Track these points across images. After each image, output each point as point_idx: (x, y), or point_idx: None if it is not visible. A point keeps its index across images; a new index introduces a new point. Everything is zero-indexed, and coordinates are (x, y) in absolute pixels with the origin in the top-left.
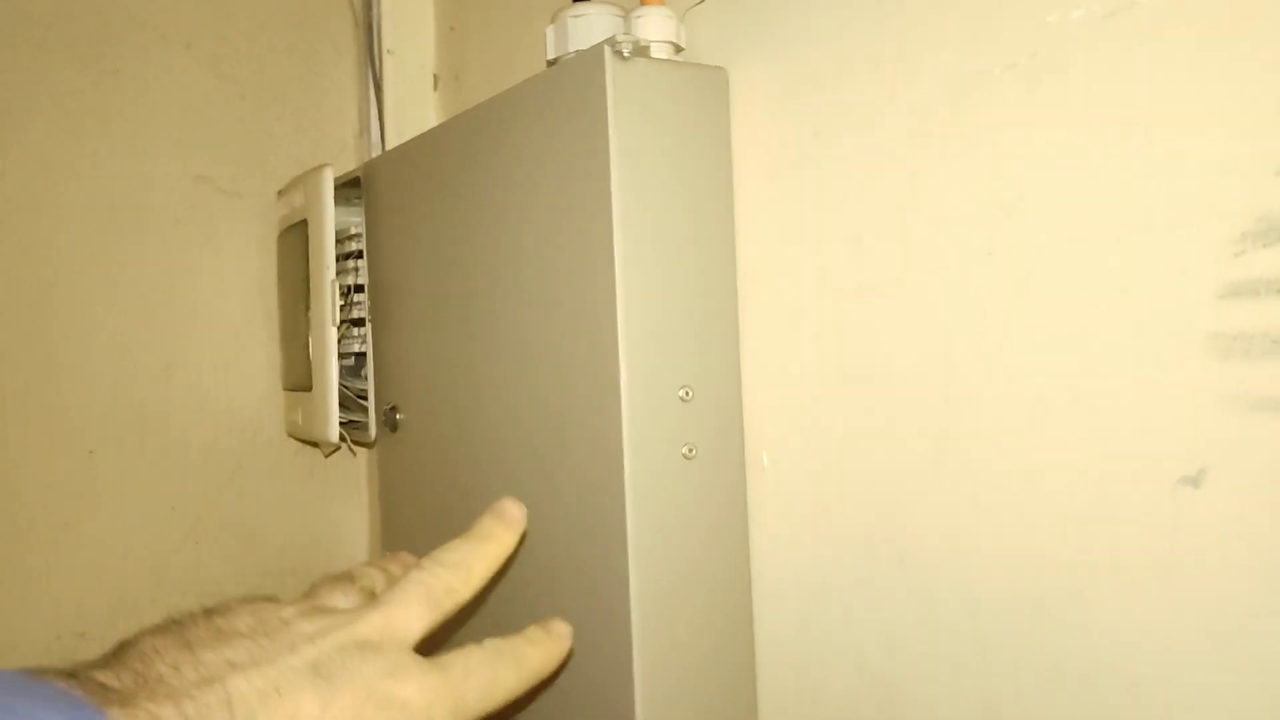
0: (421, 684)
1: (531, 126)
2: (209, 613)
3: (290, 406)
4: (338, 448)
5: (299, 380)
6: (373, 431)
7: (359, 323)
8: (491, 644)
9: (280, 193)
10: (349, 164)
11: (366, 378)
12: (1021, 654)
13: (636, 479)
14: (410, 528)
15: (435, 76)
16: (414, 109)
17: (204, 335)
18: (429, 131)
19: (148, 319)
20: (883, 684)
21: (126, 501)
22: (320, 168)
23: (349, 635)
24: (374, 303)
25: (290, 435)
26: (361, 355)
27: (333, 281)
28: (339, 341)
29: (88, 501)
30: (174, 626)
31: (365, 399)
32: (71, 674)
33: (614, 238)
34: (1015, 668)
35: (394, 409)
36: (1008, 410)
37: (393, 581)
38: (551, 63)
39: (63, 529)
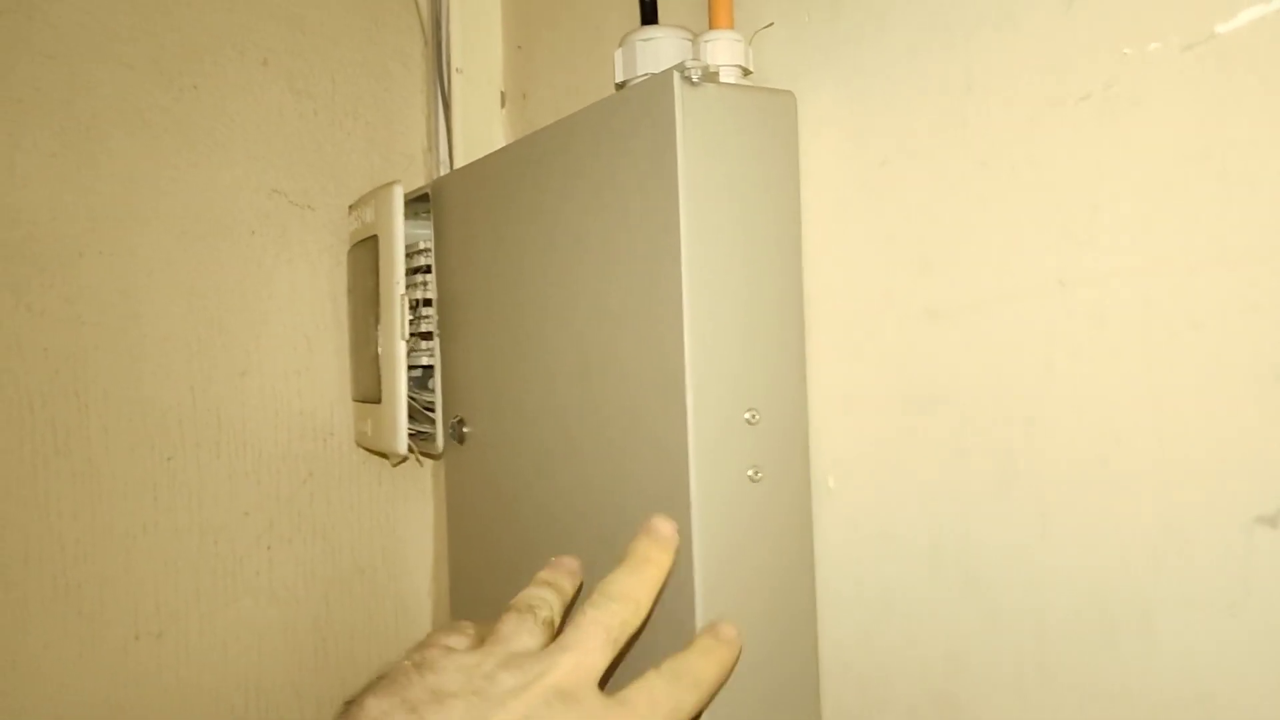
0: None
1: (600, 149)
2: (419, 668)
3: (359, 417)
4: (405, 459)
5: (368, 392)
6: (440, 443)
7: (427, 336)
8: (669, 667)
9: (351, 207)
10: (417, 179)
11: (434, 390)
12: (1088, 678)
13: (702, 500)
14: (477, 536)
15: (503, 94)
16: (482, 126)
17: (277, 343)
18: (498, 151)
19: (224, 325)
20: (946, 702)
21: (203, 505)
22: (390, 184)
23: (549, 687)
24: (442, 317)
25: (359, 445)
26: (429, 368)
27: (402, 296)
28: (407, 354)
29: (165, 505)
30: (391, 686)
31: (432, 411)
32: None
33: (681, 261)
34: (1081, 691)
35: (461, 421)
36: (1079, 438)
37: (564, 599)
38: (620, 85)
39: (141, 532)
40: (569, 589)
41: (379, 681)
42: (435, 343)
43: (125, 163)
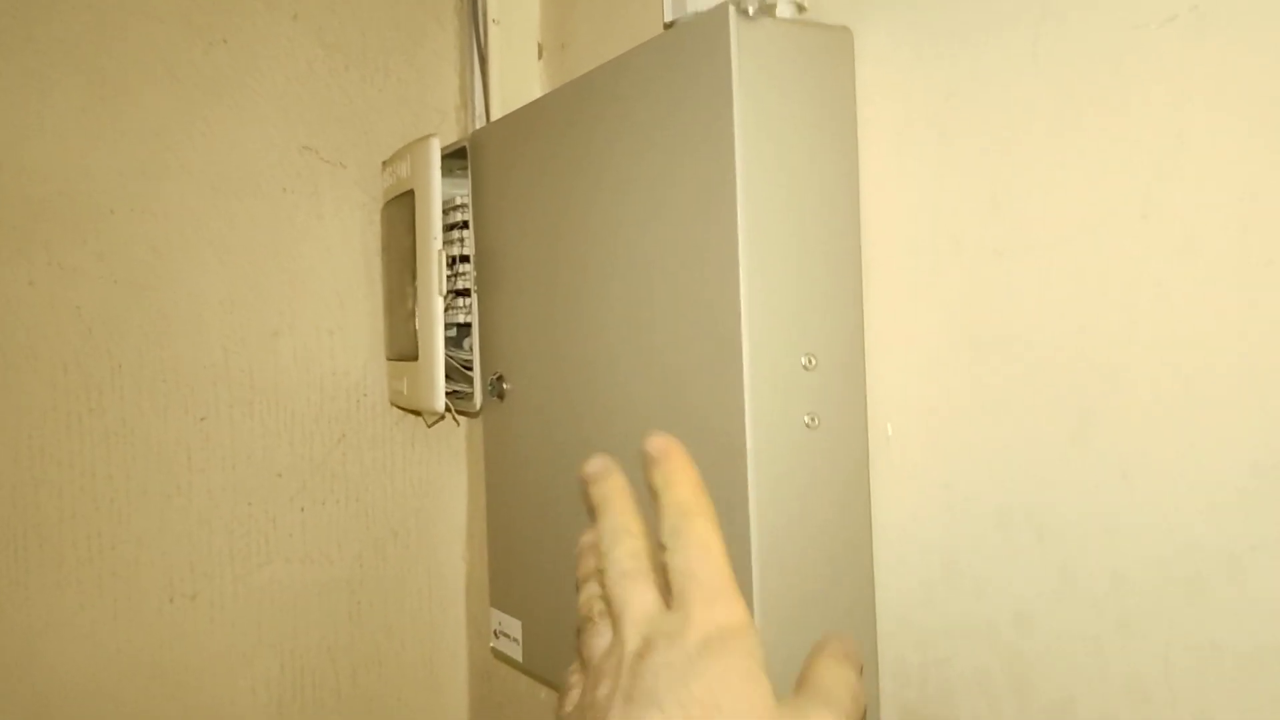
0: (705, 613)
1: (648, 91)
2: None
3: (394, 375)
4: (441, 417)
5: (404, 349)
6: (478, 401)
7: (464, 293)
8: (678, 536)
9: (385, 163)
10: (450, 135)
11: (471, 348)
12: (1173, 632)
13: (758, 448)
14: (517, 495)
15: (540, 46)
16: (518, 79)
17: (310, 302)
18: (539, 100)
19: (256, 284)
20: (1016, 659)
21: (236, 467)
22: (426, 138)
23: (625, 662)
24: (480, 273)
25: (393, 404)
26: (466, 326)
27: (439, 252)
28: (444, 311)
29: (199, 466)
30: None
31: (469, 369)
32: None
33: (736, 203)
34: (1166, 646)
35: (500, 378)
36: (1163, 382)
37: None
38: (669, 25)
39: (175, 492)
40: (593, 567)
41: None
42: (473, 299)
43: (155, 118)
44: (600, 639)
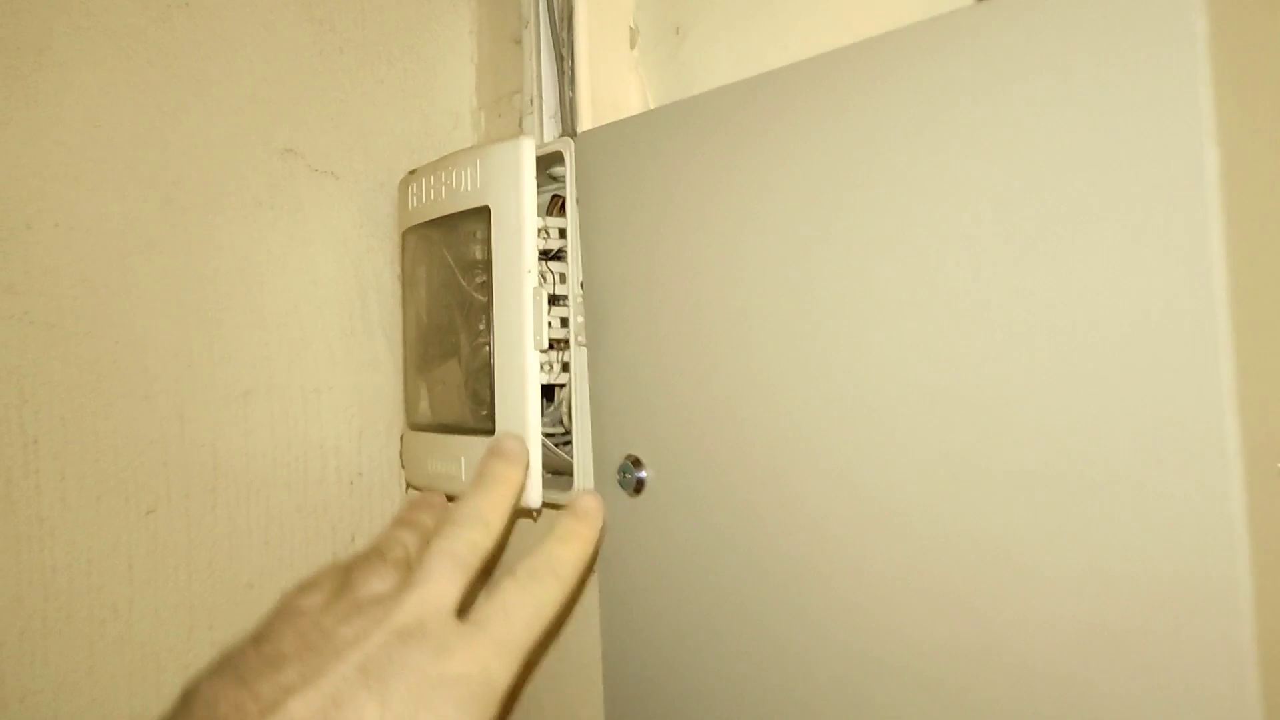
0: (469, 652)
1: (1017, 56)
2: (256, 640)
3: (426, 454)
4: (533, 517)
5: (453, 418)
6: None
7: (552, 344)
8: (524, 567)
9: (413, 173)
10: (464, 140)
11: (566, 419)
12: None
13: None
14: (658, 637)
15: (632, 31)
16: (607, 74)
17: (291, 352)
18: (752, 79)
19: (222, 328)
20: None
21: (193, 577)
22: (515, 139)
23: (388, 629)
24: (590, 317)
25: (415, 487)
26: (550, 388)
27: (535, 290)
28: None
29: (143, 577)
30: (227, 665)
31: (559, 446)
32: None
33: (1209, 227)
34: None
35: (636, 462)
36: None
37: (423, 536)
38: None
39: (109, 616)
40: (430, 524)
41: (216, 662)
42: (572, 352)
43: (90, 104)
44: (379, 581)
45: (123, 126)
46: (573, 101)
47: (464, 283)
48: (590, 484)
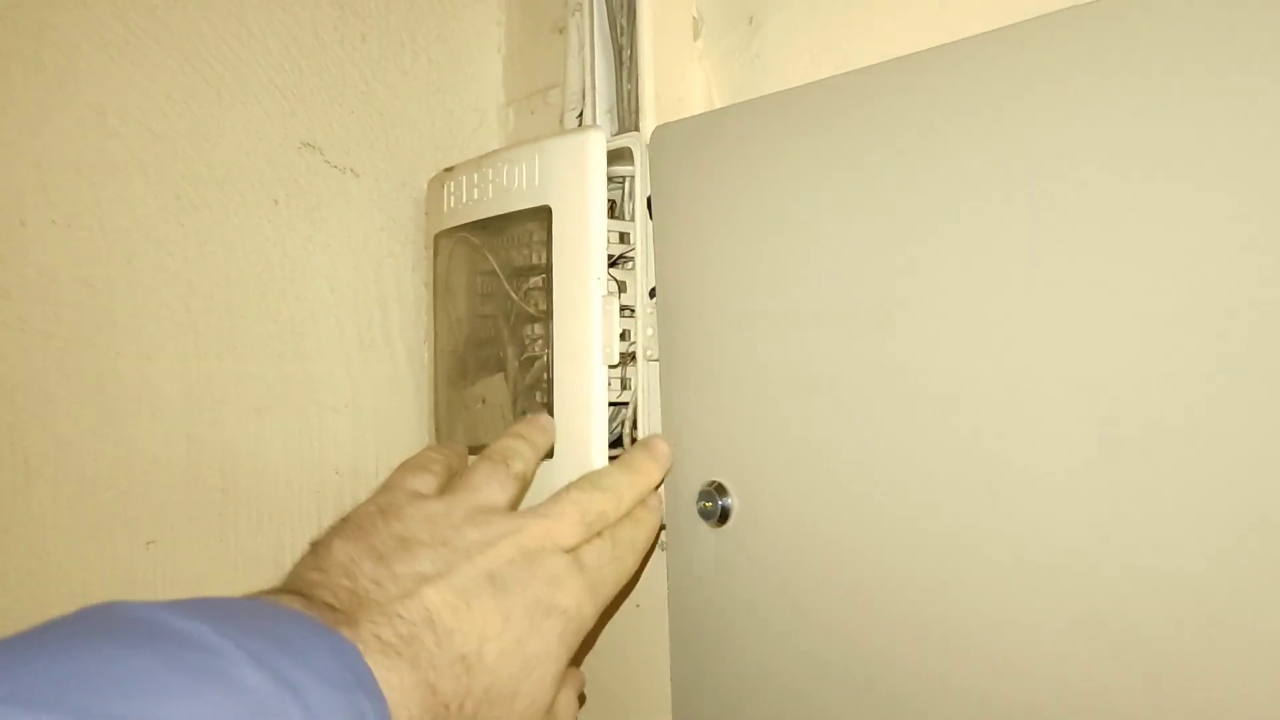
0: (575, 590)
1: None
2: (383, 514)
3: None
4: None
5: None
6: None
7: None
8: (622, 528)
9: (449, 170)
10: (492, 140)
11: (626, 441)
12: None
13: None
14: (744, 682)
15: (696, 20)
16: (669, 67)
17: (309, 364)
18: (881, 65)
19: (234, 337)
20: None
21: None
22: (583, 131)
23: (516, 547)
24: (665, 330)
25: None
26: (616, 406)
27: (603, 298)
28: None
29: None
30: (358, 532)
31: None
32: (302, 595)
33: None
34: None
35: (720, 489)
36: None
37: (538, 455)
38: None
39: None
40: (543, 445)
41: (344, 525)
42: (638, 369)
43: (93, 91)
44: (499, 491)
45: (129, 114)
46: (632, 96)
47: (511, 291)
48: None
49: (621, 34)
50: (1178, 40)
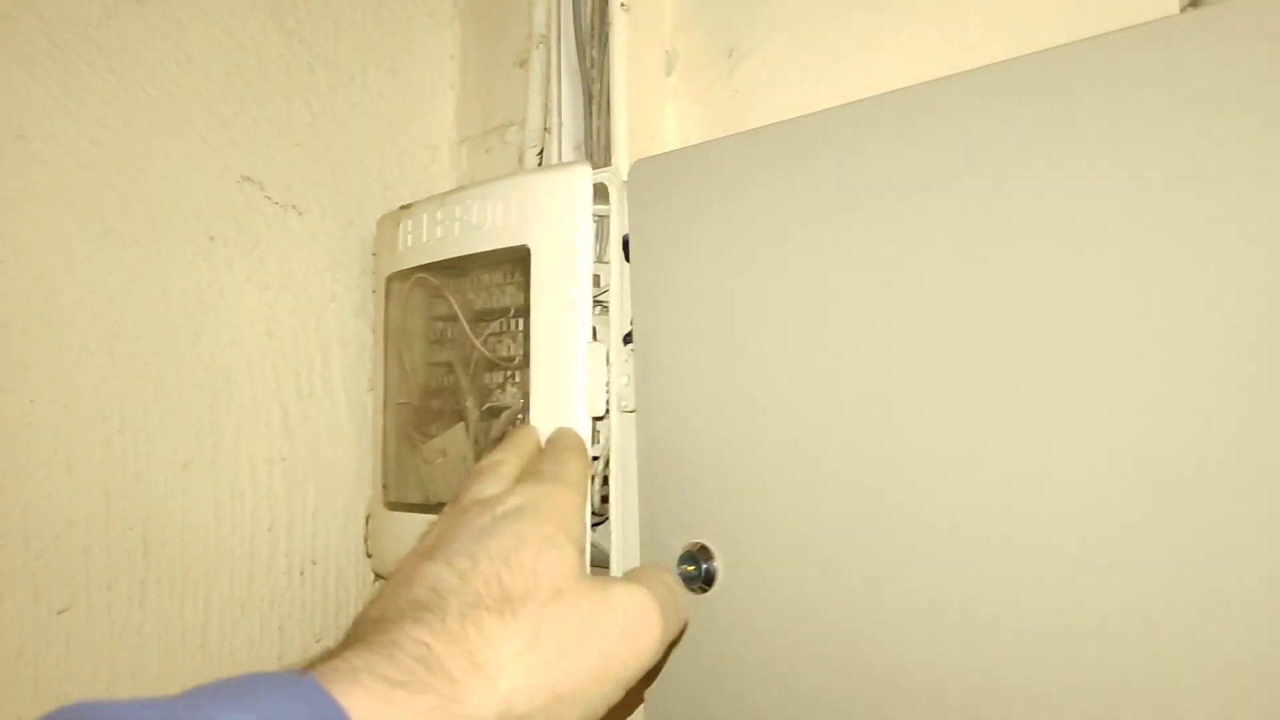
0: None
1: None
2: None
3: (413, 536)
4: None
5: (448, 497)
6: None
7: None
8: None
9: (406, 208)
10: (443, 180)
11: (595, 501)
12: None
13: None
14: None
15: (669, 54)
16: (642, 102)
17: (242, 413)
18: (878, 97)
19: (163, 384)
20: None
21: (114, 684)
22: (567, 166)
23: (509, 506)
24: (641, 377)
25: (383, 577)
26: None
27: (591, 345)
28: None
29: (51, 691)
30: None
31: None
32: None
33: None
34: None
35: (703, 551)
36: None
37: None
38: (1193, 3)
39: None
40: (531, 449)
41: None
42: (613, 419)
43: (14, 113)
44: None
45: (55, 139)
46: (601, 132)
47: (473, 336)
48: (618, 571)
49: (592, 66)
50: (1112, 99)
